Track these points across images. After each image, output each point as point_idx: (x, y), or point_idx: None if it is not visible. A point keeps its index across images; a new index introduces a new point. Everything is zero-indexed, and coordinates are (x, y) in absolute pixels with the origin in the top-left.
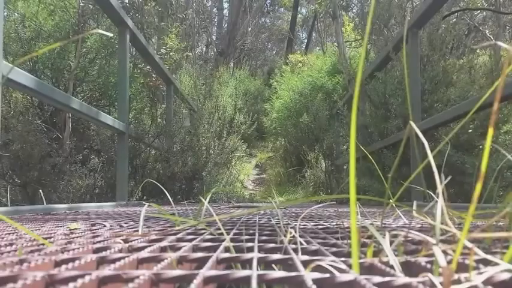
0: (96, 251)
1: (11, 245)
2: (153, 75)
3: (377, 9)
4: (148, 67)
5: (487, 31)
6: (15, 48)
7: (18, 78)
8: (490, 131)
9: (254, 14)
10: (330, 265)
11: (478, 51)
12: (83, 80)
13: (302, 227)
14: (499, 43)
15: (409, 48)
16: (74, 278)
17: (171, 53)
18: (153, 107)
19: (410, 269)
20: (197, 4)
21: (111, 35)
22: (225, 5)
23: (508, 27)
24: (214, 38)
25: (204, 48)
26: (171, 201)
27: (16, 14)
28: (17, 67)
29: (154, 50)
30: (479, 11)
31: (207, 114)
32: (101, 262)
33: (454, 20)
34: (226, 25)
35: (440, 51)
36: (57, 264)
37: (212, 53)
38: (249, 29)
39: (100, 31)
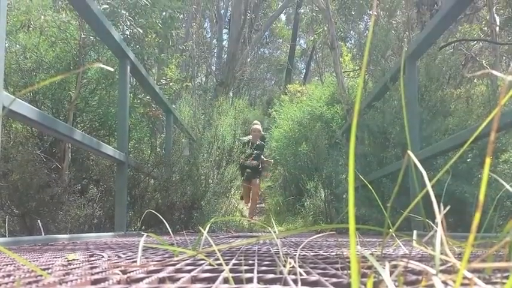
0: (94, 282)
1: (8, 276)
2: (153, 105)
3: (374, 40)
4: (148, 97)
5: (483, 61)
6: (16, 79)
7: (19, 109)
8: (488, 161)
9: (253, 45)
10: None
11: (475, 81)
12: (83, 110)
13: (302, 257)
14: (494, 72)
15: (406, 78)
16: None
17: (171, 83)
18: (152, 136)
19: None
20: (197, 36)
21: (112, 69)
22: (225, 36)
23: (504, 57)
24: (213, 68)
25: (204, 78)
26: (170, 231)
27: (17, 46)
28: (19, 98)
29: (154, 80)
30: (475, 42)
31: (206, 143)
32: None
33: (451, 50)
34: (225, 56)
35: (437, 81)
36: None
37: (212, 83)
38: (248, 59)
39: (101, 65)
